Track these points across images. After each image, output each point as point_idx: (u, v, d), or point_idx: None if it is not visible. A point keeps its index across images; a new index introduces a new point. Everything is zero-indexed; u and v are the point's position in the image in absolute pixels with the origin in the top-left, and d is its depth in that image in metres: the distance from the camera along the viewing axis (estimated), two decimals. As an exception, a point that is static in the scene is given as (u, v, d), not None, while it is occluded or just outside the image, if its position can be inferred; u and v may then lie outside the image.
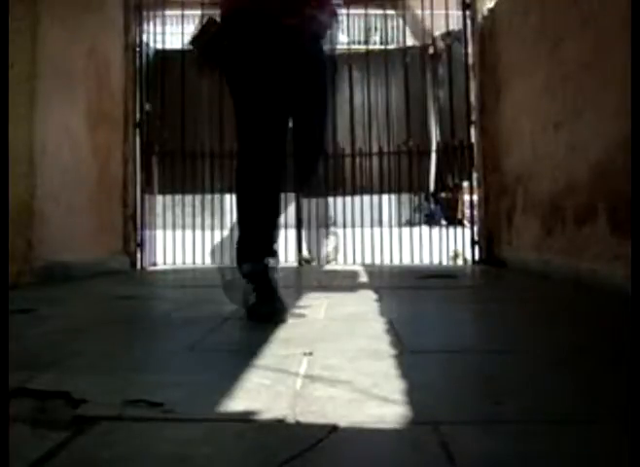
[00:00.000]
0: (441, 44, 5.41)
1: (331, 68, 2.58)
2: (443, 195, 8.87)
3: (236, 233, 2.31)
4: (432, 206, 9.06)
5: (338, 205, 5.43)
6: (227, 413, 1.13)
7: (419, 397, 1.21)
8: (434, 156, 7.05)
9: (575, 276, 3.00)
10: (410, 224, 5.76)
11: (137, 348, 1.77)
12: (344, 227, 5.21)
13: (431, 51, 5.69)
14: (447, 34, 5.21)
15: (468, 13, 4.75)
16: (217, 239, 4.98)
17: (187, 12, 5.32)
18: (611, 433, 1.03)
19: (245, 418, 1.09)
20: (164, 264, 4.96)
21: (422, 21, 5.46)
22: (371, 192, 5.47)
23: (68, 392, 1.21)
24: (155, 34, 5.10)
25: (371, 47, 4.70)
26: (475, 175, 4.85)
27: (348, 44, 6.32)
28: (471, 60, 4.72)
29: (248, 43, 2.20)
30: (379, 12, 8.52)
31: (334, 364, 1.47)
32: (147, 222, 4.86)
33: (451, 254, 4.93)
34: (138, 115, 4.79)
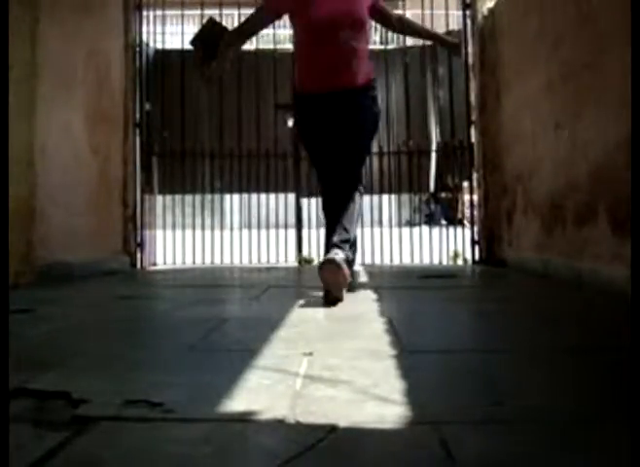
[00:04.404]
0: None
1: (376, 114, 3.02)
2: (443, 195, 8.88)
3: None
4: (432, 206, 9.07)
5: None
6: (227, 413, 1.13)
7: (419, 397, 1.21)
8: (434, 156, 7.06)
9: (575, 276, 3.00)
10: (410, 224, 5.76)
11: (137, 348, 1.77)
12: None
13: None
14: (447, 34, 5.19)
15: (468, 13, 4.75)
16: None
17: (187, 12, 5.32)
18: (611, 433, 1.03)
19: (245, 418, 1.09)
20: (164, 264, 4.96)
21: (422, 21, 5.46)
22: (371, 192, 5.47)
23: (68, 392, 1.21)
24: (155, 34, 5.10)
25: (371, 47, 4.69)
26: (475, 175, 4.85)
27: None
28: (471, 60, 4.72)
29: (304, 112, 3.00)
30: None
31: (333, 364, 1.47)
32: (147, 222, 4.86)
33: (451, 254, 4.93)
34: (138, 115, 4.78)
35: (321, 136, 2.95)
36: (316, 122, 2.94)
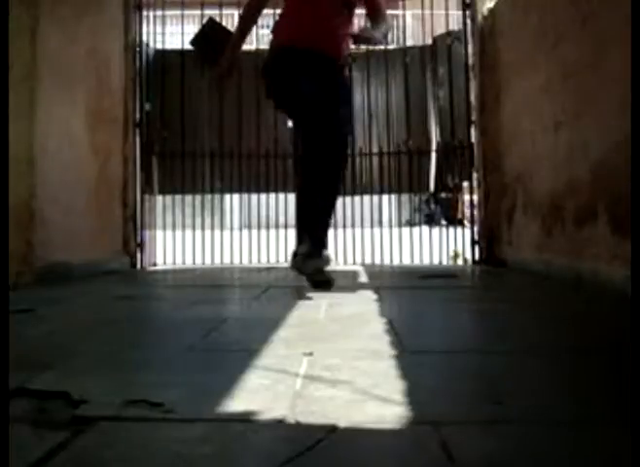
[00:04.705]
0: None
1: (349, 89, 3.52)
2: (443, 195, 8.87)
3: None
4: (432, 206, 9.07)
5: (339, 205, 5.43)
6: (227, 413, 1.13)
7: (419, 397, 1.21)
8: (434, 156, 7.05)
9: (575, 276, 3.00)
10: (411, 224, 5.76)
11: (137, 348, 1.77)
12: (344, 227, 5.21)
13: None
14: (447, 34, 5.20)
15: (468, 13, 4.74)
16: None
17: (187, 12, 5.32)
18: (611, 434, 1.03)
19: (245, 418, 1.09)
20: (164, 264, 4.95)
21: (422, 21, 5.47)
22: (371, 192, 5.47)
23: (68, 392, 1.21)
24: (155, 34, 5.10)
25: (371, 47, 4.70)
26: (475, 175, 4.85)
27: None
28: (471, 60, 4.71)
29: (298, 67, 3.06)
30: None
31: (334, 364, 1.47)
32: (147, 222, 4.86)
33: (451, 254, 4.93)
34: (138, 115, 4.78)
35: (300, 81, 3.03)
36: (295, 69, 3.05)
